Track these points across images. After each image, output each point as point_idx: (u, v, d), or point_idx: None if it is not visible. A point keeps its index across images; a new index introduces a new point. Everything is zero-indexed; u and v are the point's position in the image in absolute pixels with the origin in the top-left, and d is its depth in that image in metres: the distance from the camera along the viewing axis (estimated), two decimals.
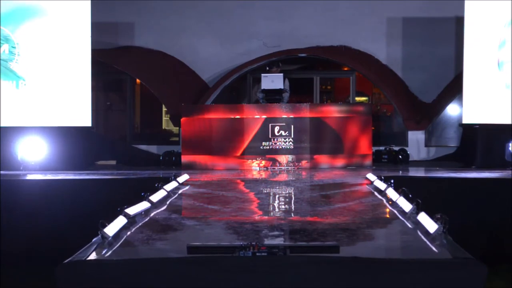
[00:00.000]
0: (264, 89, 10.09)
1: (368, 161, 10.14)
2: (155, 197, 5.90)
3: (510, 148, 9.93)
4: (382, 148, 11.14)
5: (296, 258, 3.61)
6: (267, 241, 4.38)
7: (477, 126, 10.23)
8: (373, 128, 10.45)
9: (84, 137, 10.32)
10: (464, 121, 10.36)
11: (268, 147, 10.00)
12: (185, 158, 10.17)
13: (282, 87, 10.04)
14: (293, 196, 7.23)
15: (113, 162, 11.18)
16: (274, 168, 9.87)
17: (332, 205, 6.33)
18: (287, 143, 10.00)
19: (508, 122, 9.91)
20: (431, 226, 4.27)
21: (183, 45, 12.78)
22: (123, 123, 12.72)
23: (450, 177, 8.68)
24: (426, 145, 11.73)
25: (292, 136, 9.99)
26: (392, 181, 6.48)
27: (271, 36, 12.66)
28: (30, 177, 8.91)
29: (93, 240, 4.12)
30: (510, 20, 10.00)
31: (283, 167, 9.90)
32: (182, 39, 12.77)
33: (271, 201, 6.73)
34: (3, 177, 8.40)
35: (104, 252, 3.92)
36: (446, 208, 4.92)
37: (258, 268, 3.48)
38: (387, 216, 5.57)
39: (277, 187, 7.98)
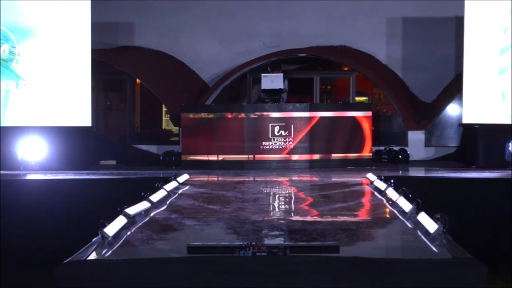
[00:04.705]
0: (264, 89, 10.09)
1: (368, 161, 10.14)
2: (155, 197, 5.90)
3: (510, 148, 9.92)
4: (382, 148, 11.15)
5: (296, 258, 3.61)
6: (267, 241, 4.38)
7: (477, 126, 10.22)
8: (373, 128, 10.45)
9: (84, 137, 10.32)
10: (464, 121, 10.35)
11: (268, 147, 10.00)
12: (185, 158, 10.18)
13: (282, 87, 10.03)
14: (293, 196, 7.23)
15: (113, 162, 11.18)
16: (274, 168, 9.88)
17: (332, 205, 6.32)
18: (287, 143, 10.00)
19: (508, 122, 9.91)
20: (431, 226, 4.27)
21: (183, 45, 12.77)
22: (123, 123, 12.71)
23: (450, 177, 8.68)
24: (426, 145, 11.72)
25: (292, 136, 9.99)
26: (392, 181, 6.47)
27: (271, 36, 12.65)
28: (30, 177, 8.91)
29: (93, 240, 4.12)
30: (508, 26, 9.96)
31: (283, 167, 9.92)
32: (182, 39, 12.77)
33: (271, 201, 6.72)
34: (3, 177, 8.40)
35: (104, 252, 3.92)
36: (446, 208, 4.92)
37: (258, 268, 3.47)
38: (387, 216, 5.57)
39: (277, 187, 7.97)
